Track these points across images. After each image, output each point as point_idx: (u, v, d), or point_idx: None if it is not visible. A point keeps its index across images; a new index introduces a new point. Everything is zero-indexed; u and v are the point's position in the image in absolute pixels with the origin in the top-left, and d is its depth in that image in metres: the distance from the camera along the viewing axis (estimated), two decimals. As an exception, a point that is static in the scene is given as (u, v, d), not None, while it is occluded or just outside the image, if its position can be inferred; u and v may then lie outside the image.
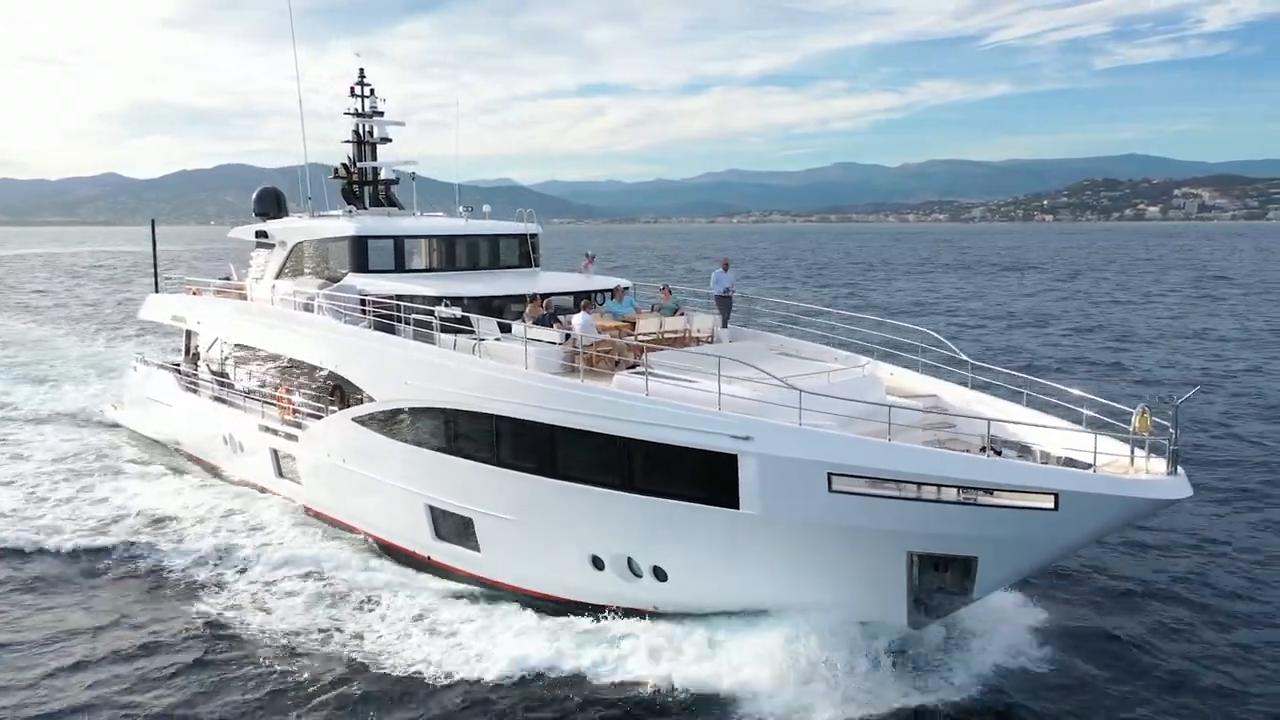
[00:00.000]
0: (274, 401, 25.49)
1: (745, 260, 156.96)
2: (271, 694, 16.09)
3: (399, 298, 21.71)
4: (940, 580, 15.61)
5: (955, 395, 18.73)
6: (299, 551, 21.89)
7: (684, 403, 16.19)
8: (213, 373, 29.58)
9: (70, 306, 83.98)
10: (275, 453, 25.18)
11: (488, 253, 26.04)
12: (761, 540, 16.11)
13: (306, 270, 26.33)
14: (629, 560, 17.80)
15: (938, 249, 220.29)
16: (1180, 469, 13.88)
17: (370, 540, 22.35)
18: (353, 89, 28.79)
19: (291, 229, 27.45)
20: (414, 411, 20.20)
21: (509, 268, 26.21)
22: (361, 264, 24.26)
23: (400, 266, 24.46)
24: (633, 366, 17.91)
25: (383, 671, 16.74)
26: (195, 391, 29.48)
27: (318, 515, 23.98)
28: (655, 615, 17.63)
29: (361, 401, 21.86)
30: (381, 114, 29.18)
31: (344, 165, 28.95)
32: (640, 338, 20.14)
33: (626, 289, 23.41)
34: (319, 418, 23.40)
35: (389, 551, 21.80)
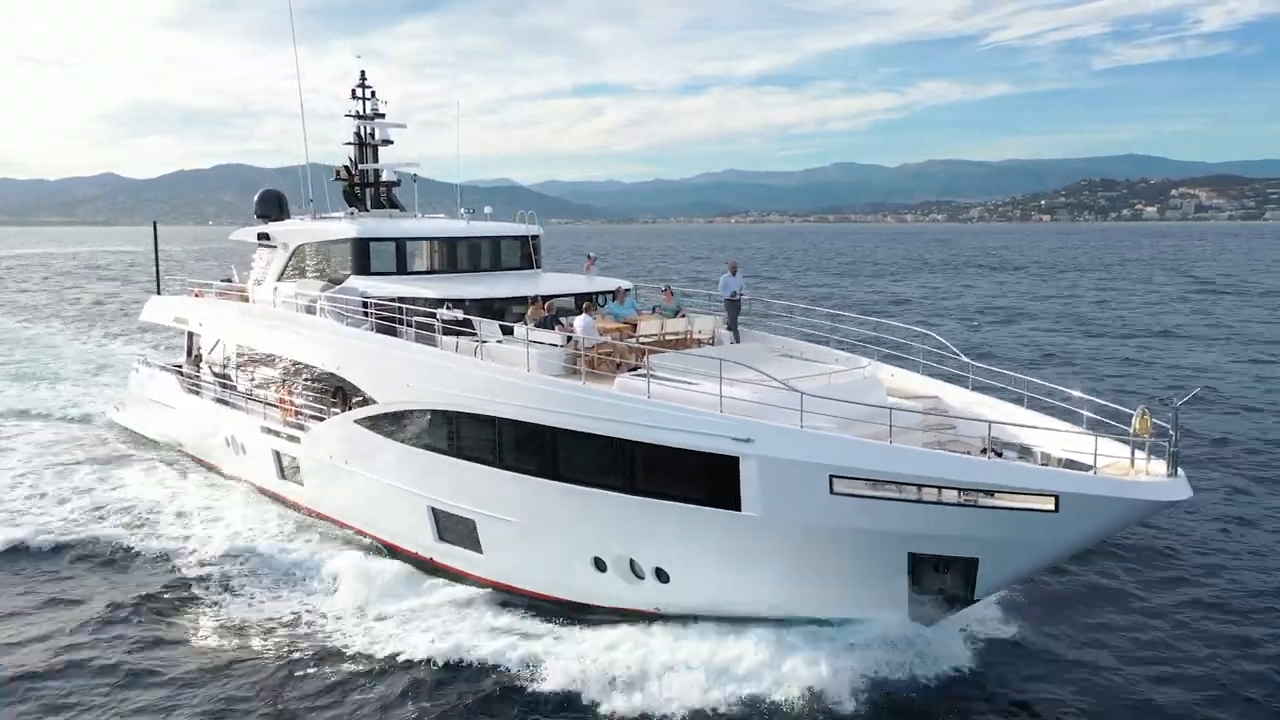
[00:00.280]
0: (276, 403, 25.56)
1: (739, 260, 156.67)
2: (266, 692, 16.27)
3: (401, 300, 21.77)
4: (941, 581, 15.70)
5: (956, 396, 18.82)
6: (298, 552, 22.00)
7: (685, 405, 16.25)
8: (215, 374, 29.64)
9: (69, 306, 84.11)
10: (277, 454, 25.22)
11: (489, 254, 26.10)
12: (763, 542, 16.17)
13: (308, 272, 26.41)
14: (631, 562, 17.86)
15: (929, 249, 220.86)
16: (1180, 470, 13.97)
17: (373, 541, 22.43)
18: (354, 91, 28.81)
19: (293, 231, 27.51)
20: (416, 413, 20.25)
21: (510, 269, 26.27)
22: (363, 266, 24.33)
23: (402, 269, 24.53)
24: (634, 369, 17.97)
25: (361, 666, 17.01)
26: (197, 393, 29.53)
27: (320, 517, 24.03)
28: (658, 616, 17.69)
29: (363, 403, 21.92)
30: (383, 116, 29.20)
31: (345, 167, 28.99)
32: (641, 340, 20.21)
33: (628, 291, 23.46)
34: (321, 419, 23.45)
35: (392, 553, 21.84)
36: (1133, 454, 14.38)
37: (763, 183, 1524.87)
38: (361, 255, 24.40)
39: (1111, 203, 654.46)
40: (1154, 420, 14.05)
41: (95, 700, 16.15)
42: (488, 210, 27.75)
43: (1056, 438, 15.80)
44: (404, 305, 21.39)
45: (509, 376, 18.36)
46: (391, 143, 29.47)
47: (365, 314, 22.60)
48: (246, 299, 29.14)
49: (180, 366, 32.43)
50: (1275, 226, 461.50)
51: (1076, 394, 15.85)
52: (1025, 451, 16.23)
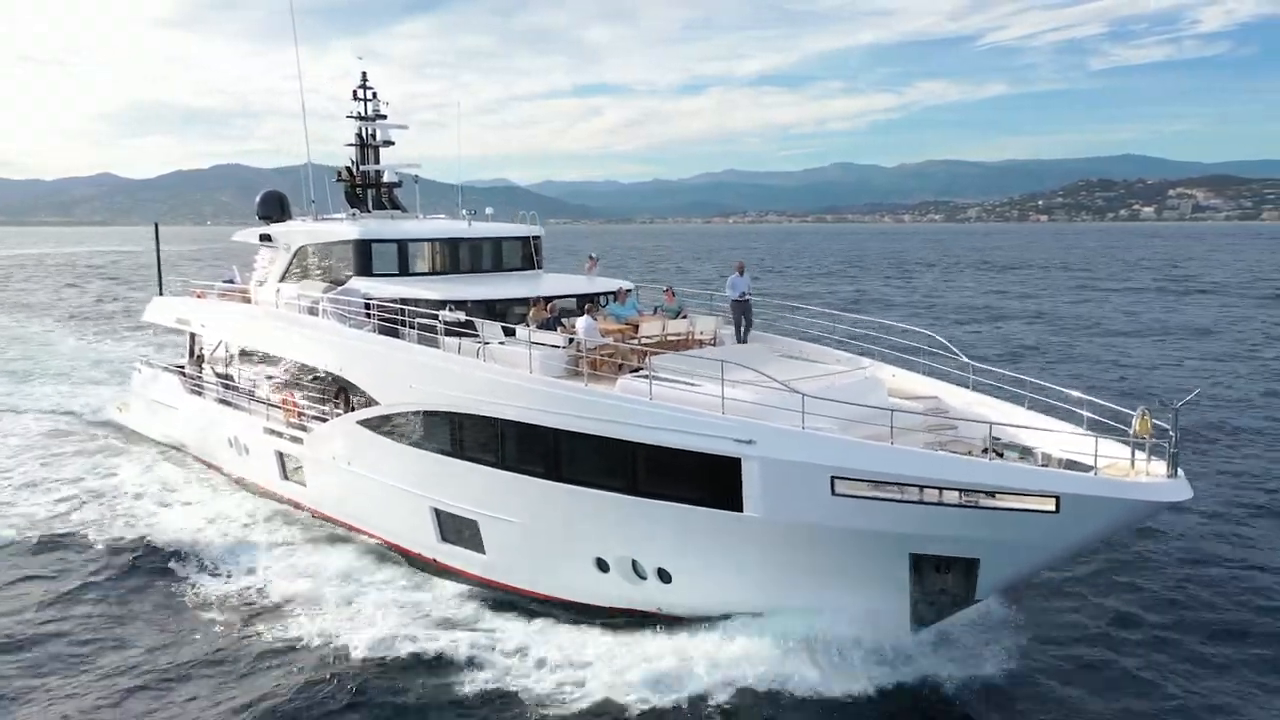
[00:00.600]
0: (279, 404, 25.63)
1: (732, 260, 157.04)
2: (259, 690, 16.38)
3: (403, 301, 21.84)
4: (942, 582, 15.75)
5: (956, 397, 18.92)
6: (296, 552, 22.13)
7: (687, 406, 16.33)
8: (217, 375, 29.71)
9: (66, 304, 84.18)
10: (280, 455, 25.28)
11: (491, 255, 26.16)
12: (765, 543, 16.25)
13: (310, 273, 26.47)
14: (633, 563, 17.94)
15: (918, 248, 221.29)
16: (1180, 471, 14.05)
17: (376, 542, 22.51)
18: (355, 92, 28.84)
19: (295, 232, 27.57)
20: (419, 415, 20.33)
21: (512, 270, 26.34)
22: (365, 267, 24.39)
23: (404, 270, 24.57)
24: (636, 370, 18.05)
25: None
26: (200, 394, 29.60)
27: (323, 518, 24.11)
28: (661, 617, 17.76)
29: (366, 405, 21.99)
30: (384, 117, 29.21)
31: (347, 168, 29.03)
32: (643, 340, 20.29)
33: (629, 291, 23.52)
34: (324, 420, 23.52)
35: (395, 553, 21.94)
36: (1133, 455, 14.44)
37: (762, 183, 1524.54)
38: (363, 256, 24.47)
39: (1109, 203, 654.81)
40: (1154, 421, 14.14)
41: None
42: (489, 211, 27.81)
43: (1057, 438, 15.86)
44: (406, 307, 21.45)
45: (511, 378, 18.44)
46: (393, 144, 29.50)
47: (368, 315, 22.64)
48: (249, 300, 29.21)
49: (183, 367, 32.53)
50: (1272, 227, 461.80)
51: (1076, 394, 15.94)
52: (1026, 452, 16.29)
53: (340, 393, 23.40)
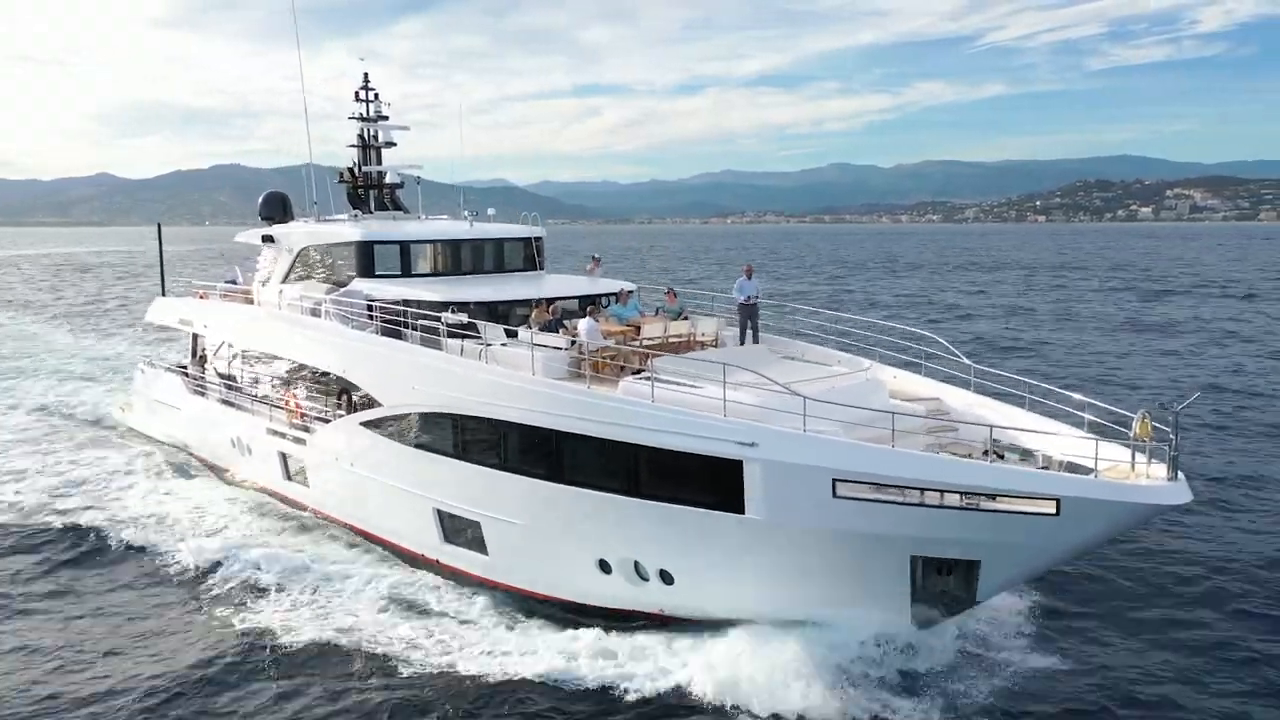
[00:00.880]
0: (282, 405, 25.69)
1: (727, 260, 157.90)
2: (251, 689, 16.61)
3: (406, 303, 21.89)
4: (944, 584, 15.81)
5: (957, 399, 18.98)
6: (296, 553, 22.29)
7: (689, 409, 16.34)
8: (220, 376, 29.78)
9: (60, 303, 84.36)
10: (283, 456, 25.35)
11: (493, 256, 26.18)
12: (767, 545, 16.29)
13: (313, 275, 26.52)
14: (635, 564, 17.98)
15: (910, 249, 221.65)
16: (1180, 474, 14.10)
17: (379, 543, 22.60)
18: (357, 93, 28.87)
19: (297, 233, 27.60)
20: (422, 416, 20.38)
21: (514, 271, 26.37)
22: (368, 269, 24.44)
23: (406, 271, 24.60)
24: (638, 372, 18.11)
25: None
26: (203, 395, 29.67)
27: (326, 518, 24.17)
28: (663, 618, 17.83)
29: (369, 406, 22.07)
30: (386, 118, 29.24)
31: (349, 169, 29.09)
32: (645, 342, 20.34)
33: (631, 292, 23.57)
34: (327, 422, 23.59)
35: (397, 554, 22.03)
36: (1133, 458, 14.51)
37: (759, 183, 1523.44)
38: (366, 258, 24.52)
39: (1107, 203, 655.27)
40: (1154, 424, 14.21)
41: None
42: (491, 212, 27.86)
43: (1057, 440, 15.93)
44: (409, 308, 21.51)
45: (513, 380, 18.48)
46: (395, 145, 29.51)
47: (370, 317, 22.70)
48: (251, 301, 29.26)
49: (185, 367, 32.60)
50: (1269, 227, 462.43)
51: (1077, 397, 16.02)
52: (1026, 454, 16.35)
53: (343, 394, 23.47)
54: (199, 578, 21.22)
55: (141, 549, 22.86)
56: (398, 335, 21.58)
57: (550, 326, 20.32)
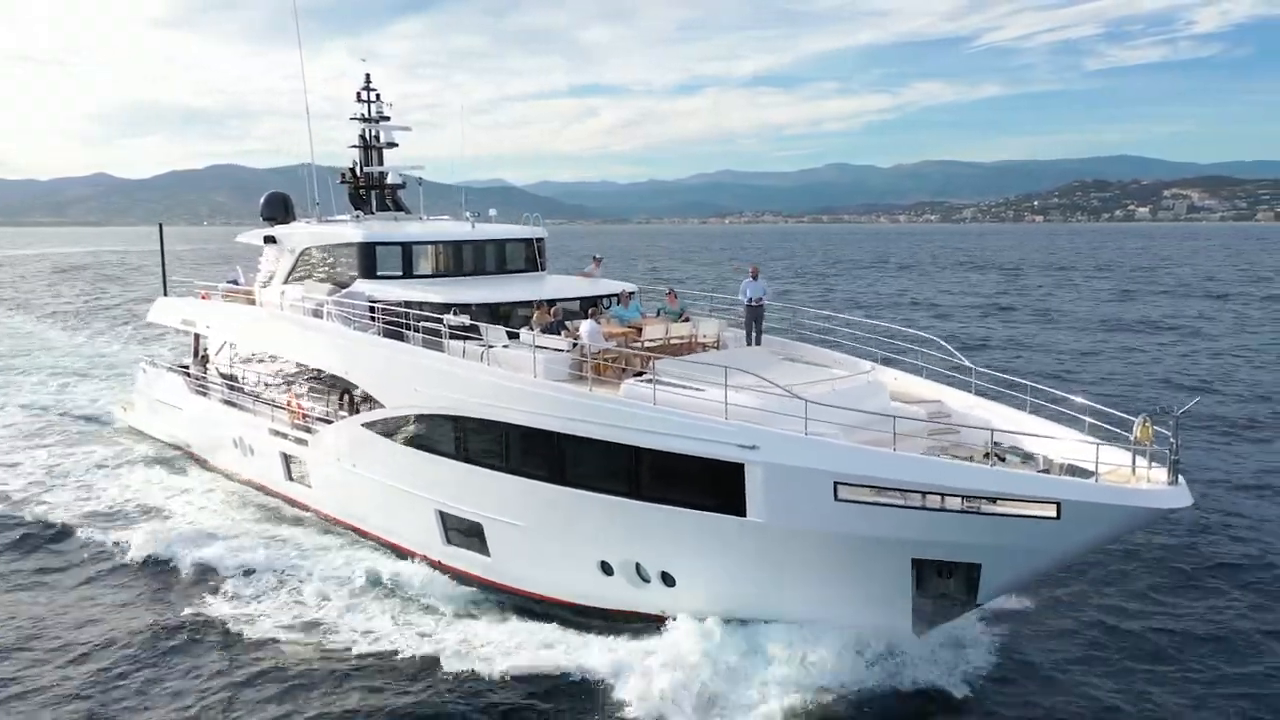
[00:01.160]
0: (284, 406, 25.74)
1: (719, 261, 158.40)
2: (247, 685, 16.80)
3: (407, 304, 21.91)
4: (944, 586, 15.84)
5: (958, 401, 19.01)
6: (298, 551, 22.52)
7: (691, 412, 16.38)
8: (222, 376, 29.80)
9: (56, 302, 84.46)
10: (285, 456, 25.40)
11: (494, 257, 26.15)
12: (768, 547, 16.33)
13: (315, 275, 26.52)
14: (637, 566, 18.03)
15: (903, 249, 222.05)
16: (1181, 478, 14.13)
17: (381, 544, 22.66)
18: (359, 94, 28.88)
19: (299, 234, 27.62)
20: (424, 418, 20.43)
21: (516, 272, 26.36)
22: (370, 270, 24.44)
23: (408, 272, 24.58)
24: (639, 374, 18.15)
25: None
26: (205, 395, 29.70)
27: (328, 519, 24.22)
28: (665, 620, 17.83)
29: (370, 407, 22.10)
30: (388, 119, 29.22)
31: (350, 170, 29.12)
32: (647, 344, 20.37)
33: (632, 294, 23.57)
34: (329, 422, 23.63)
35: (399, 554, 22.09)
36: (1134, 461, 14.54)
37: (758, 183, 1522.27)
38: (368, 259, 24.52)
39: (1104, 203, 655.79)
40: (1155, 428, 14.26)
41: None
42: (492, 212, 27.87)
43: (1058, 443, 15.97)
44: (411, 310, 21.54)
45: (515, 382, 18.53)
46: (396, 145, 29.49)
47: (372, 318, 22.74)
48: (253, 301, 29.28)
49: (187, 367, 32.65)
50: (1266, 227, 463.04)
51: (1078, 400, 16.06)
52: (1027, 457, 16.42)
53: (344, 395, 23.50)
54: (160, 568, 21.85)
55: (104, 539, 23.38)
56: (400, 336, 21.61)
57: (552, 328, 20.35)
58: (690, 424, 16.19)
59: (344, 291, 24.17)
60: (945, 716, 15.56)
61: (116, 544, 22.98)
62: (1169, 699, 16.06)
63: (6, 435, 34.00)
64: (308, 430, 24.36)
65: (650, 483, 16.95)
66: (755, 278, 22.66)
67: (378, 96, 29.03)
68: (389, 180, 29.36)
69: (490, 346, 19.87)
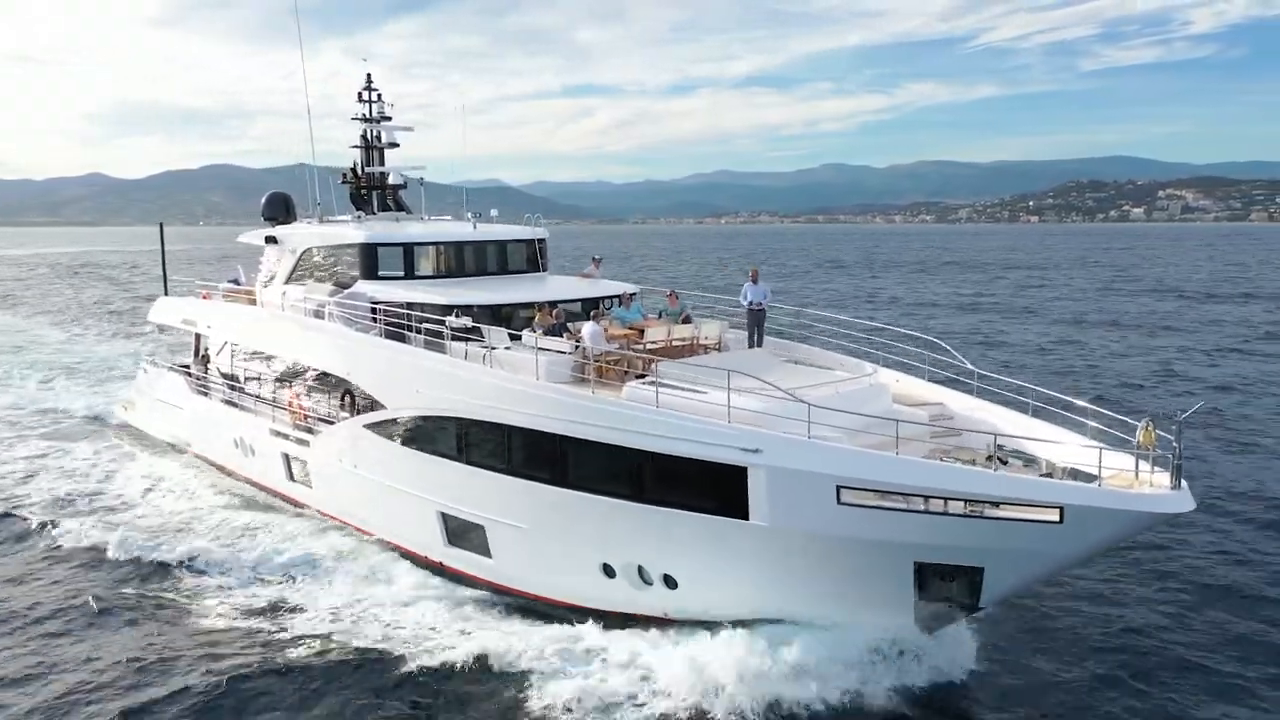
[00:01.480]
0: (285, 406, 25.74)
1: (709, 261, 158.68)
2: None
3: (409, 305, 21.89)
4: (947, 590, 15.86)
5: (960, 403, 19.03)
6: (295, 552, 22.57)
7: (693, 415, 16.38)
8: (223, 376, 29.82)
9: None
10: (287, 457, 25.39)
11: (496, 258, 26.10)
12: (771, 550, 16.34)
13: (316, 276, 26.51)
14: (639, 569, 18.04)
15: (888, 249, 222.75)
16: (1184, 483, 14.14)
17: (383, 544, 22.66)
18: (360, 94, 28.88)
19: (301, 234, 27.63)
20: (426, 420, 20.42)
21: (517, 272, 26.32)
22: (371, 271, 24.43)
23: (410, 273, 24.54)
24: (641, 376, 18.17)
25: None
26: (206, 394, 29.71)
27: (329, 519, 24.21)
28: (667, 622, 17.87)
29: (372, 408, 22.12)
30: (389, 119, 29.20)
31: (352, 170, 29.12)
32: (649, 346, 20.38)
33: (634, 295, 23.55)
34: (330, 423, 23.64)
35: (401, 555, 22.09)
36: (1137, 466, 14.58)
37: (753, 183, 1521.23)
38: (370, 260, 24.50)
39: (1099, 204, 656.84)
40: (1158, 432, 14.30)
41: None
42: (494, 213, 27.85)
43: (1060, 447, 15.99)
44: (413, 311, 21.54)
45: (517, 384, 18.54)
46: (398, 145, 29.48)
47: (374, 319, 22.74)
48: (254, 301, 29.26)
49: (188, 367, 32.65)
50: (1260, 228, 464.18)
51: (1081, 403, 16.05)
52: (1030, 460, 16.45)
53: (346, 395, 23.51)
54: (160, 566, 21.94)
55: (104, 538, 23.34)
56: (401, 338, 21.61)
57: (554, 330, 20.34)
58: (693, 427, 16.18)
59: (346, 292, 24.14)
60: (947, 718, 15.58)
61: (109, 540, 23.03)
62: (1169, 704, 16.07)
63: (5, 435, 34.07)
64: (309, 431, 24.37)
65: (652, 485, 16.95)
66: (755, 281, 22.58)
67: (379, 96, 29.01)
68: (390, 180, 29.33)
69: (493, 348, 19.88)
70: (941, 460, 15.92)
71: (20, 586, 20.99)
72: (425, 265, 24.95)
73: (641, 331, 21.15)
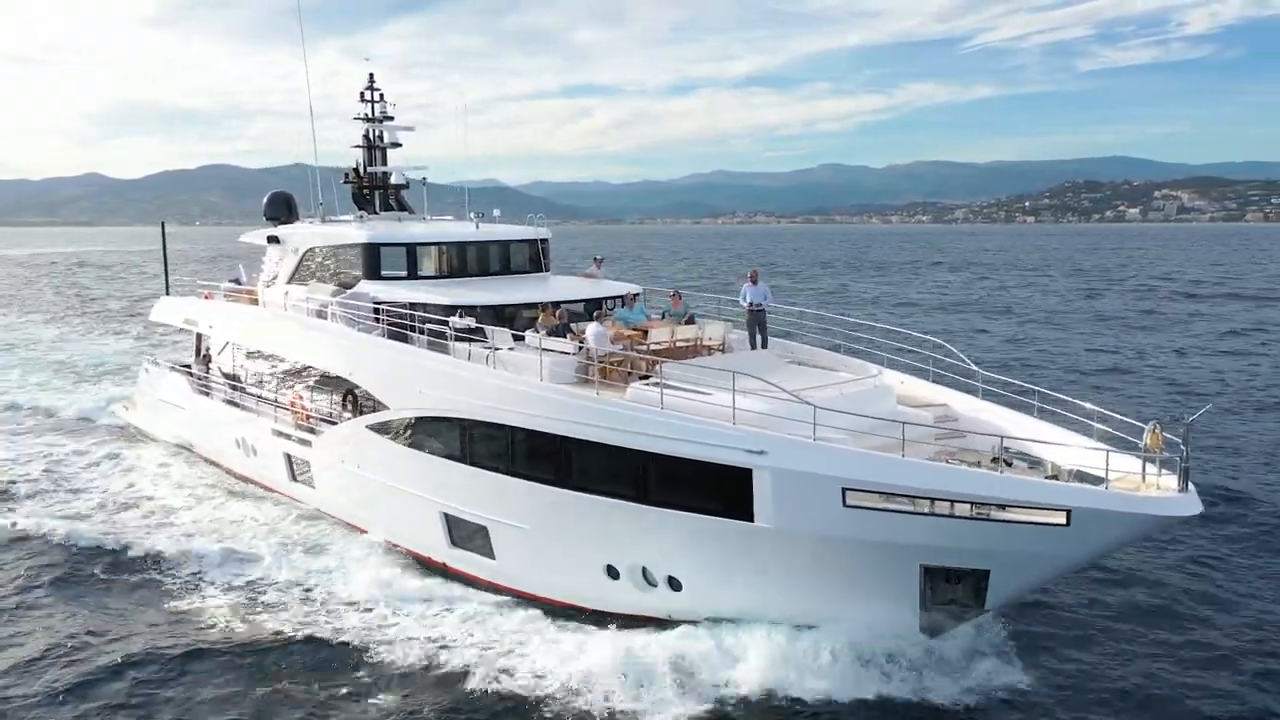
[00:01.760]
0: (287, 406, 25.69)
1: (700, 261, 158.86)
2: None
3: (412, 306, 21.85)
4: (953, 592, 15.86)
5: (965, 404, 19.00)
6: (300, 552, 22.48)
7: (698, 416, 16.36)
8: (225, 376, 29.75)
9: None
10: (289, 457, 25.36)
11: (499, 258, 26.06)
12: (776, 553, 16.33)
13: (319, 276, 26.47)
14: (643, 570, 18.02)
15: (881, 249, 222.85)
16: (1191, 486, 14.13)
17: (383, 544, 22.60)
18: (362, 94, 28.86)
19: (303, 234, 27.60)
20: (429, 420, 20.39)
21: (520, 273, 26.29)
22: (374, 271, 24.39)
23: (413, 273, 24.51)
24: (645, 377, 18.13)
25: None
26: (208, 394, 29.67)
27: (332, 520, 24.15)
28: (671, 622, 17.80)
29: (375, 408, 22.06)
30: (391, 118, 29.18)
31: (354, 170, 29.09)
32: (653, 346, 20.34)
33: (637, 295, 23.54)
34: (333, 423, 23.59)
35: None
36: (1144, 469, 14.57)
37: (751, 183, 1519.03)
38: (372, 259, 24.46)
39: (1095, 204, 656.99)
40: (1165, 435, 14.29)
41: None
42: (496, 213, 27.83)
43: (1066, 449, 15.95)
44: (416, 312, 21.49)
45: (521, 385, 18.53)
46: (400, 145, 29.45)
47: (377, 319, 22.70)
48: (256, 301, 29.22)
49: (190, 367, 32.60)
50: (1256, 228, 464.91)
51: (1087, 405, 16.02)
52: (1035, 462, 16.41)
53: (348, 396, 23.47)
54: (159, 567, 21.88)
55: (100, 537, 23.33)
56: (404, 338, 21.57)
57: (557, 330, 20.31)
58: (698, 428, 16.17)
59: (348, 292, 24.11)
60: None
61: (113, 541, 23.00)
62: (1174, 710, 16.02)
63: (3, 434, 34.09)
64: (311, 431, 24.33)
65: (657, 487, 16.93)
66: (755, 282, 22.47)
67: (381, 96, 28.98)
68: (392, 180, 29.30)
69: (496, 349, 19.84)
70: (946, 462, 15.88)
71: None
72: (428, 265, 24.91)
73: (645, 332, 21.12)
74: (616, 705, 15.66)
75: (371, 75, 28.83)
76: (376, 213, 28.79)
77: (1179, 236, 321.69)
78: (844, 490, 15.19)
